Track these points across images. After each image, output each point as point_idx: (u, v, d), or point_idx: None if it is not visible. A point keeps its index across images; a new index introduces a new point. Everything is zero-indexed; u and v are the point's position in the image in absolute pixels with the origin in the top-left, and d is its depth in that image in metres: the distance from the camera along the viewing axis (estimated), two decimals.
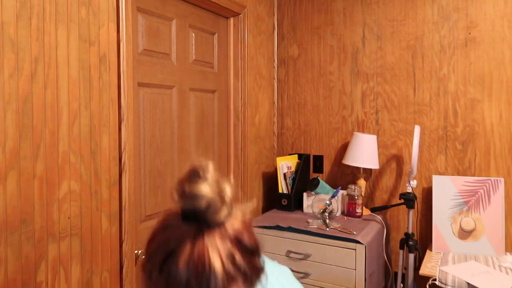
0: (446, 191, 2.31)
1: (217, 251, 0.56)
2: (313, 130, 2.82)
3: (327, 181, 2.79)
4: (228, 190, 0.58)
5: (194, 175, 0.57)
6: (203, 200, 0.55)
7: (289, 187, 2.64)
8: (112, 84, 1.57)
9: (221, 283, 0.55)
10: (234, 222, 0.59)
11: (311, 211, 2.54)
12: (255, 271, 0.59)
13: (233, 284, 0.56)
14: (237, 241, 0.58)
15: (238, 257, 0.57)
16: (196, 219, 0.57)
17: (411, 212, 2.23)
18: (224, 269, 0.55)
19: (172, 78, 2.02)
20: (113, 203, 1.60)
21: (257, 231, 2.22)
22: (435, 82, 2.45)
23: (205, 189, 0.56)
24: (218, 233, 0.57)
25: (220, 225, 0.57)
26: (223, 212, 0.57)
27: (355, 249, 2.05)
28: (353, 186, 2.44)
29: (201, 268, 0.54)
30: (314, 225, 2.26)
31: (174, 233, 0.57)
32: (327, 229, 2.19)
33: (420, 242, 2.48)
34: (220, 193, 0.57)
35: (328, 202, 2.32)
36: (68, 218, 1.42)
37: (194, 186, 0.56)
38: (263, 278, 0.62)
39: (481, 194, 2.25)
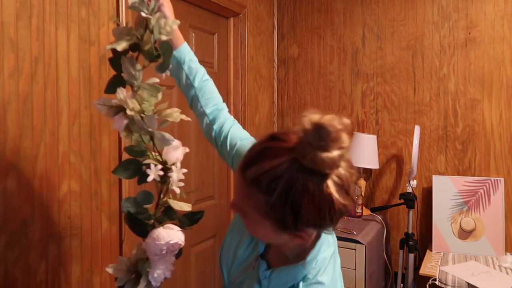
0: (446, 191, 2.31)
1: (333, 189, 0.66)
2: None
3: None
4: (346, 149, 0.65)
5: (323, 135, 0.62)
6: (328, 159, 0.63)
7: None
8: None
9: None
10: (341, 172, 0.67)
11: None
12: (340, 215, 0.69)
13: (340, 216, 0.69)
14: (344, 190, 0.67)
15: (337, 197, 0.66)
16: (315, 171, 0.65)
17: (411, 212, 2.23)
18: (335, 203, 0.66)
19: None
20: (113, 203, 1.60)
21: None
22: (435, 82, 2.45)
23: (334, 153, 0.63)
24: (331, 180, 0.66)
25: (331, 174, 0.66)
26: (338, 165, 0.65)
27: (355, 249, 2.05)
28: None
29: (322, 201, 0.66)
30: None
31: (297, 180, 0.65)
32: None
33: (420, 242, 2.48)
34: (340, 150, 0.64)
35: None
36: (68, 218, 1.42)
37: (322, 147, 0.63)
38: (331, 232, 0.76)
39: (481, 194, 2.25)
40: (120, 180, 1.62)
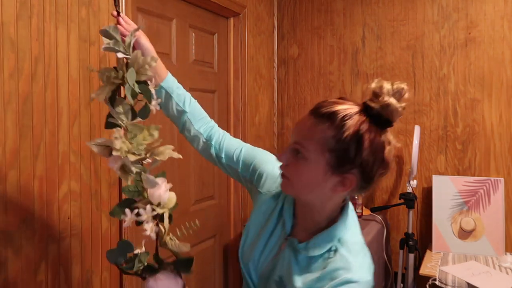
0: (446, 191, 2.31)
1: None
2: None
3: None
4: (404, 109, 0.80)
5: (397, 91, 0.78)
6: (393, 110, 0.79)
7: None
8: None
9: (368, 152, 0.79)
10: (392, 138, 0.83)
11: None
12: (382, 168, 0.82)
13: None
14: (391, 150, 0.82)
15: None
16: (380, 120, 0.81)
17: (411, 212, 2.23)
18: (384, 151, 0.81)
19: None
20: (113, 203, 1.60)
21: None
22: (435, 82, 2.45)
23: (395, 103, 0.78)
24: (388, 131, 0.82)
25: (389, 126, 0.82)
26: (401, 114, 0.80)
27: None
28: None
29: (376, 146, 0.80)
30: None
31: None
32: None
33: (420, 242, 2.48)
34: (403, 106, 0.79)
35: None
36: (68, 218, 1.42)
37: (396, 95, 0.78)
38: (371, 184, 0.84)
39: (481, 194, 2.25)
40: (120, 180, 1.62)
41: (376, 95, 0.79)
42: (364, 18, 2.63)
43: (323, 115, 0.80)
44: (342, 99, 0.85)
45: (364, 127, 0.79)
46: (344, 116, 0.79)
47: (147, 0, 1.84)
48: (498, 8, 2.29)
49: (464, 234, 2.25)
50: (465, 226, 2.24)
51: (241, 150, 1.05)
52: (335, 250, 0.84)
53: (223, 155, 1.05)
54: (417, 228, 2.48)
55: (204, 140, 1.08)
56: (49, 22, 1.33)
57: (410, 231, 2.22)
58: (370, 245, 2.10)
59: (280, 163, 0.86)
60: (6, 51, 1.21)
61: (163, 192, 0.83)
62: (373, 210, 2.37)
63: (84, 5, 1.45)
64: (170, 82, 1.07)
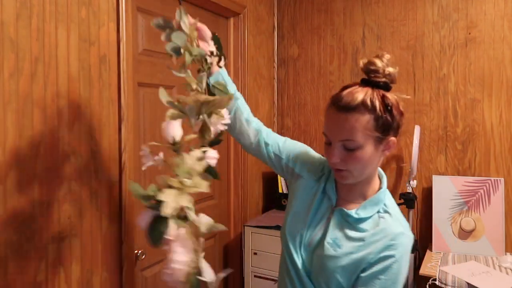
0: (446, 191, 2.31)
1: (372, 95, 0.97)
2: (313, 130, 2.82)
3: None
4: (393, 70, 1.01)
5: (382, 57, 1.00)
6: (382, 73, 0.99)
7: None
8: (112, 84, 1.57)
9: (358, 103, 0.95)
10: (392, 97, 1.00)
11: None
12: (389, 121, 0.97)
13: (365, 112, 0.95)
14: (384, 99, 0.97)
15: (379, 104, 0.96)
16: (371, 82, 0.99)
17: (411, 212, 2.23)
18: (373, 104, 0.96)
19: (172, 78, 2.01)
20: (113, 203, 1.60)
21: (257, 231, 2.23)
22: (435, 82, 2.45)
23: (384, 67, 0.99)
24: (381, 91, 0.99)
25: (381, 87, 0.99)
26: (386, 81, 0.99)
27: None
28: None
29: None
30: None
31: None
32: None
33: (420, 242, 2.48)
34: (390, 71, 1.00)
35: None
36: (68, 218, 1.42)
37: (384, 64, 0.99)
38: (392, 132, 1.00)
39: (481, 194, 2.25)
40: (120, 180, 1.62)
41: (374, 71, 0.98)
42: (364, 18, 2.63)
43: (354, 108, 0.95)
44: (348, 87, 1.01)
45: (385, 97, 0.97)
46: (369, 99, 0.95)
47: (147, 0, 1.84)
48: (498, 8, 2.29)
49: (464, 234, 2.25)
50: (465, 226, 2.24)
51: (285, 141, 1.21)
52: (383, 212, 1.02)
53: (270, 144, 1.19)
54: (417, 228, 2.48)
55: (255, 130, 1.20)
56: (49, 22, 1.33)
57: None
58: None
59: (333, 162, 0.99)
60: (6, 51, 1.21)
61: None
62: None
63: (84, 5, 1.45)
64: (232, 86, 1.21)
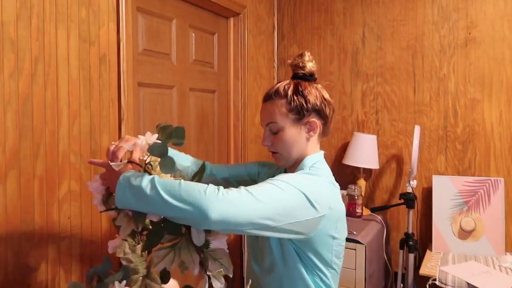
0: (446, 191, 2.31)
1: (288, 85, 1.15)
2: None
3: None
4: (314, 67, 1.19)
5: (302, 55, 1.17)
6: (307, 68, 1.17)
7: None
8: (112, 84, 1.57)
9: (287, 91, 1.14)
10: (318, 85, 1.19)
11: None
12: (303, 107, 1.13)
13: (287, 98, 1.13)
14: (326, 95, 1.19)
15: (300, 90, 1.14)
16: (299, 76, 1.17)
17: (411, 212, 2.23)
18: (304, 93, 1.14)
19: (172, 78, 2.02)
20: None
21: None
22: (435, 82, 2.45)
23: (304, 62, 1.17)
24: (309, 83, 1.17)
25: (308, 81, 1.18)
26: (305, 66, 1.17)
27: (355, 249, 2.05)
28: (353, 186, 2.44)
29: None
30: None
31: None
32: None
33: (420, 242, 2.48)
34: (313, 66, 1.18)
35: None
36: (68, 218, 1.42)
37: (303, 60, 1.17)
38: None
39: (481, 194, 2.25)
40: None
41: (296, 66, 1.17)
42: (364, 18, 2.63)
43: (271, 96, 1.14)
44: (278, 83, 1.18)
45: (299, 84, 1.13)
46: (283, 87, 1.13)
47: (147, 0, 1.84)
48: (498, 8, 2.29)
49: (464, 234, 2.25)
50: (465, 226, 2.24)
51: (227, 167, 1.37)
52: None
53: (216, 174, 1.35)
54: (417, 228, 2.48)
55: (208, 179, 1.33)
56: (49, 22, 1.33)
57: (410, 231, 2.22)
58: (370, 245, 2.11)
59: (265, 144, 1.15)
60: (6, 51, 1.21)
61: None
62: (373, 210, 2.37)
63: (84, 5, 1.45)
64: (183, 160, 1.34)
